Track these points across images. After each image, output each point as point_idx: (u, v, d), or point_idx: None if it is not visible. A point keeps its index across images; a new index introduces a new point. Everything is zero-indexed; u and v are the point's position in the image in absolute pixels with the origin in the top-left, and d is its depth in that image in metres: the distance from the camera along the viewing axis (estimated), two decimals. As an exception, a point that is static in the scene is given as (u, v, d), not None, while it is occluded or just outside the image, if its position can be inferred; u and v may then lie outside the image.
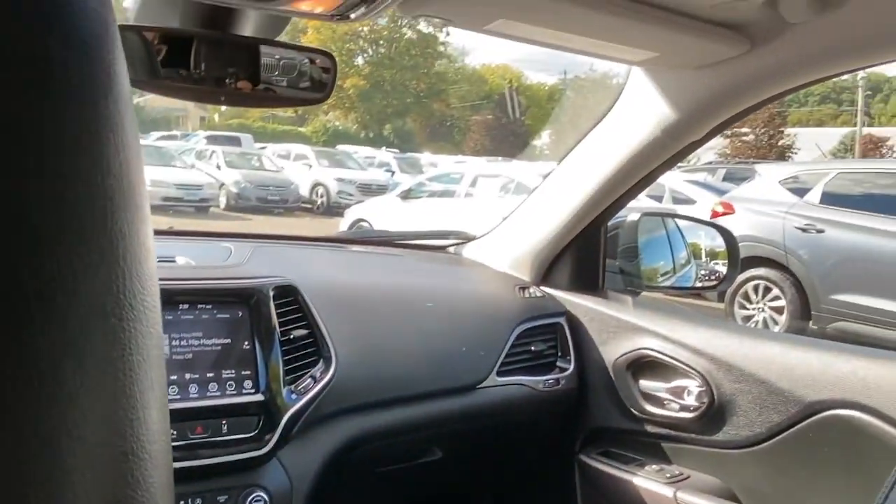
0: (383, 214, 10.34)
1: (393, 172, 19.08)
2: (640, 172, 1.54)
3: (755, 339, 1.46)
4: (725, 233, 1.87)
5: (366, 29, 42.21)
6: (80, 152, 0.22)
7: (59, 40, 0.22)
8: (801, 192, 7.31)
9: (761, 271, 7.08)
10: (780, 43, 1.17)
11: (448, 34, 44.37)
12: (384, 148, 27.94)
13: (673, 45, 1.21)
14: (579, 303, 1.70)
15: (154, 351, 0.25)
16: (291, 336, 1.29)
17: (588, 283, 1.75)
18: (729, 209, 7.44)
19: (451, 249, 1.94)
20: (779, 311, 7.01)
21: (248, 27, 1.13)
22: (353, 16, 1.06)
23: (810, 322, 6.83)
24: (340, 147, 25.77)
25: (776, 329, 6.87)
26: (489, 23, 1.11)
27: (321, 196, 16.82)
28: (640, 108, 1.45)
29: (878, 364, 1.25)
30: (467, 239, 1.95)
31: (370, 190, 15.80)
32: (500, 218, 1.88)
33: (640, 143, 1.46)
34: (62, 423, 0.22)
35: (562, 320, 1.69)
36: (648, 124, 1.43)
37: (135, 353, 0.24)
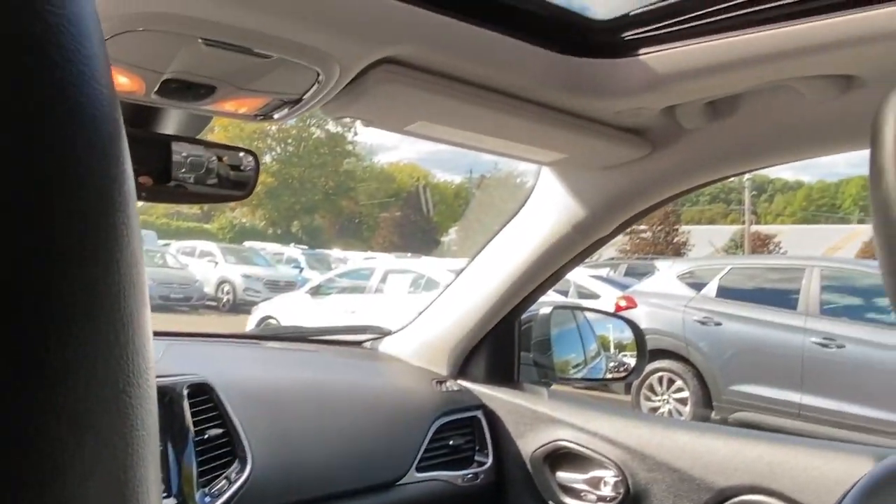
0: (292, 311, 10.21)
1: (301, 269, 18.97)
2: (552, 267, 1.59)
3: (667, 427, 1.50)
4: (633, 325, 1.94)
5: (274, 128, 42.58)
6: (99, 241, 0.23)
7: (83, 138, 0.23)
8: (697, 286, 7.64)
9: (665, 363, 7.28)
10: (678, 147, 1.26)
11: (356, 134, 45.24)
12: (292, 244, 27.81)
13: (581, 147, 1.28)
14: (496, 395, 1.72)
15: (154, 427, 0.26)
16: (206, 436, 1.25)
17: (504, 375, 1.77)
18: (631, 303, 7.69)
19: (367, 344, 1.94)
20: (683, 402, 7.20)
21: (170, 125, 1.14)
22: (276, 116, 1.09)
23: (713, 413, 7.03)
24: (248, 243, 25.52)
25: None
26: (409, 124, 1.16)
27: (227, 293, 16.51)
28: (551, 205, 1.51)
29: (781, 449, 1.31)
30: (383, 334, 1.95)
31: (278, 286, 15.63)
32: (412, 313, 1.90)
33: (552, 239, 1.52)
34: (83, 495, 0.23)
35: (479, 414, 1.70)
36: (559, 221, 1.50)
37: (141, 429, 0.25)
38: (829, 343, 6.53)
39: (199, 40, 0.85)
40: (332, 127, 43.46)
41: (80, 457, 0.23)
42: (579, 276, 9.92)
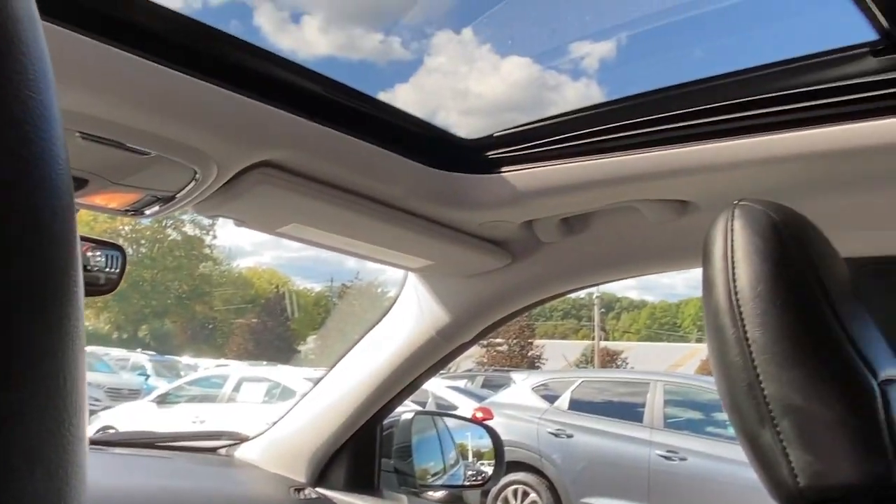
0: (135, 421, 9.60)
1: (148, 376, 17.97)
2: (415, 371, 1.62)
3: None
4: (491, 432, 1.98)
5: (127, 227, 41.02)
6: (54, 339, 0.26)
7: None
8: (551, 398, 7.85)
9: (520, 475, 7.34)
10: (536, 258, 1.35)
11: (215, 237, 44.30)
12: (139, 350, 26.37)
13: (447, 255, 1.35)
14: (355, 503, 1.69)
15: (85, 457, 0.28)
16: None
17: (364, 482, 1.75)
18: (488, 415, 7.76)
19: (223, 451, 1.87)
20: (537, 515, 7.24)
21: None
22: (147, 212, 1.09)
23: (566, 526, 7.10)
24: (89, 349, 23.96)
25: (535, 534, 7.05)
26: (282, 226, 1.19)
27: (62, 401, 15.30)
28: (416, 310, 1.56)
29: None
30: (239, 440, 1.89)
31: (121, 395, 14.69)
32: (267, 422, 1.86)
33: (416, 344, 1.56)
34: None
35: None
36: (423, 326, 1.54)
37: (80, 458, 0.27)
38: (672, 456, 6.82)
39: (77, 134, 0.86)
40: (189, 229, 42.40)
41: (32, 485, 0.25)
42: (437, 387, 9.95)
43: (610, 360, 36.46)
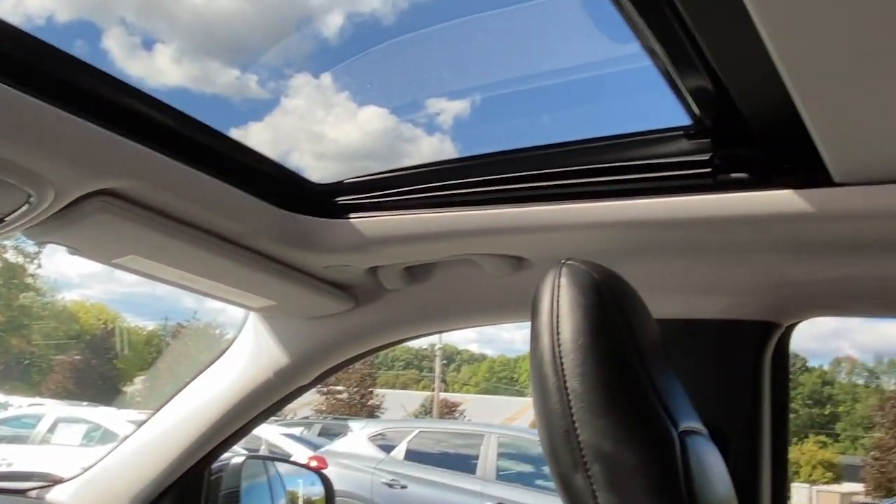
0: (-71, 462, 8.67)
1: (-53, 414, 16.32)
2: (249, 413, 1.59)
3: None
4: (324, 478, 1.96)
5: (-63, 250, 37.55)
6: None
7: None
8: (388, 448, 7.82)
9: (350, 527, 7.23)
10: (380, 304, 1.38)
11: (39, 266, 41.30)
12: (-60, 384, 23.92)
13: (290, 296, 1.35)
14: None
15: None
16: None
17: None
18: (322, 464, 7.62)
19: (33, 493, 1.74)
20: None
21: None
22: (-26, 233, 1.03)
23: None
24: None
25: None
26: (119, 257, 1.15)
27: None
28: (255, 350, 1.54)
29: None
30: (53, 482, 1.77)
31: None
32: (85, 465, 1.75)
33: (252, 384, 1.53)
34: None
35: None
36: (261, 366, 1.52)
37: None
38: (502, 508, 6.95)
39: None
40: (11, 256, 39.30)
41: None
42: (271, 433, 9.67)
43: (449, 411, 36.80)
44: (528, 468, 7.51)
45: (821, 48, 0.63)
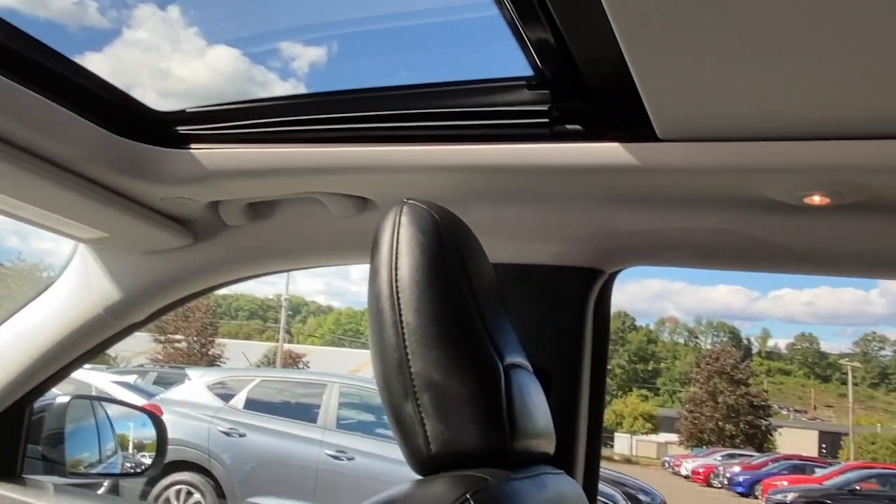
0: None
1: None
2: (76, 350, 1.52)
3: None
4: (156, 420, 1.91)
5: None
6: None
7: None
8: (227, 397, 7.68)
9: (184, 475, 7.08)
10: (219, 240, 1.35)
11: None
12: None
13: (123, 228, 1.29)
14: None
15: None
16: None
17: (5, 468, 1.60)
18: (157, 412, 7.39)
19: None
20: (199, 515, 7.03)
21: None
22: None
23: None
24: None
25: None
26: None
27: None
28: (84, 285, 1.46)
29: None
30: None
31: None
32: None
33: (80, 320, 1.46)
34: None
35: None
36: (91, 302, 1.45)
37: None
38: (340, 455, 7.03)
39: None
40: None
41: None
42: (101, 380, 9.24)
43: (293, 362, 36.60)
44: (369, 417, 7.61)
45: (648, 6, 0.67)
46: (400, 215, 0.79)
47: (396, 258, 0.76)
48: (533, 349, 0.97)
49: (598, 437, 1.22)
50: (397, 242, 0.77)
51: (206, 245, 1.36)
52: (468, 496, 0.66)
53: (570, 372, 1.15)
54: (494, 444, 0.74)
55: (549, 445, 0.88)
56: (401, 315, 0.74)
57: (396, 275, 0.76)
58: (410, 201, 0.80)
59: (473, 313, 0.78)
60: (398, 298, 0.75)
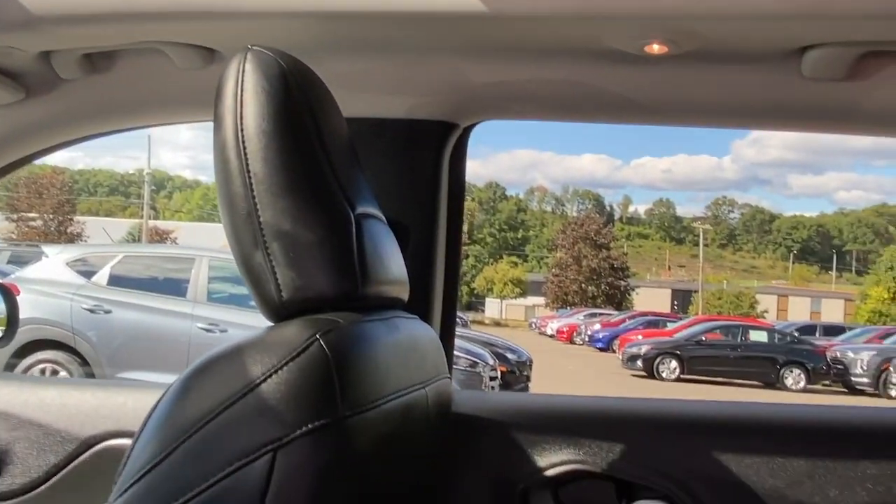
0: None
1: None
2: None
3: (33, 385, 1.47)
4: (6, 292, 1.83)
5: None
6: None
7: None
8: (89, 274, 7.41)
9: (49, 354, 6.89)
10: (55, 95, 1.25)
11: None
12: None
13: None
14: None
15: None
16: None
17: None
18: (14, 290, 7.06)
19: None
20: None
21: None
22: None
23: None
24: None
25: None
26: None
27: None
28: None
29: (143, 395, 1.39)
30: None
31: None
32: None
33: None
34: None
35: None
36: None
37: None
38: (213, 328, 7.00)
39: None
40: None
41: None
42: (-51, 261, 8.70)
43: (160, 239, 35.53)
44: (241, 290, 7.55)
45: None
46: (244, 62, 0.76)
47: (241, 106, 0.74)
48: (388, 202, 0.97)
49: (455, 287, 1.26)
50: (242, 90, 0.75)
51: (39, 101, 1.25)
52: (318, 336, 0.67)
53: (425, 224, 1.17)
54: (345, 289, 0.75)
55: (402, 292, 0.91)
56: (248, 164, 0.73)
57: (242, 123, 0.74)
58: (255, 48, 0.77)
59: (323, 162, 0.77)
60: (244, 148, 0.73)
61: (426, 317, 1.10)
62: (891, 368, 14.89)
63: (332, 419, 0.65)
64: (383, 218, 0.89)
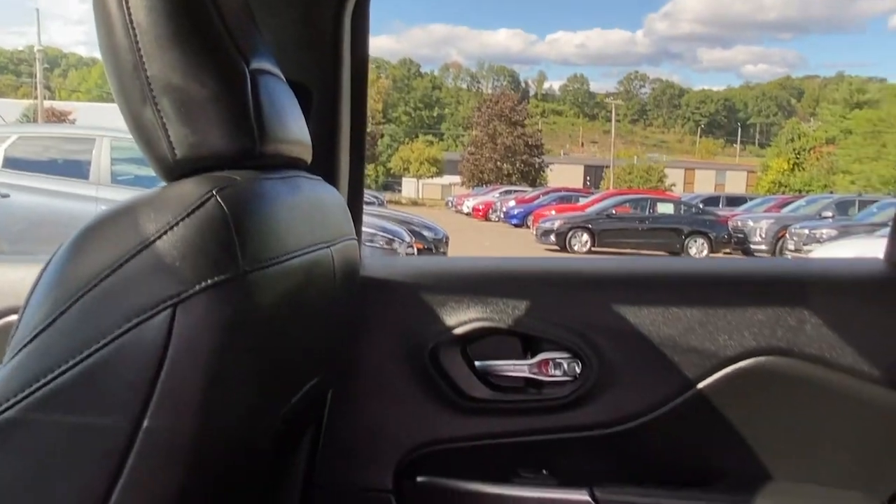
0: None
1: None
2: None
3: None
4: None
5: None
6: None
7: None
8: (-19, 157, 7.02)
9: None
10: None
11: None
12: None
13: None
14: None
15: None
16: None
17: None
18: None
19: None
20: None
21: None
22: None
23: None
24: None
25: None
26: None
27: None
28: None
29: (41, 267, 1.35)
30: None
31: None
32: None
33: None
34: None
35: None
36: None
37: None
38: (120, 210, 6.77)
39: None
40: None
41: None
42: None
43: (57, 120, 33.66)
44: (148, 172, 7.28)
45: None
46: None
47: None
48: (288, 64, 0.94)
49: (361, 151, 1.25)
50: None
51: None
52: (214, 193, 0.66)
53: (327, 86, 1.14)
54: (242, 147, 0.73)
55: (304, 153, 0.89)
56: (130, 14, 0.69)
57: None
58: None
59: (213, 14, 0.73)
60: None
61: (331, 180, 1.09)
62: (787, 235, 15.70)
63: (232, 275, 0.65)
64: (282, 76, 0.86)
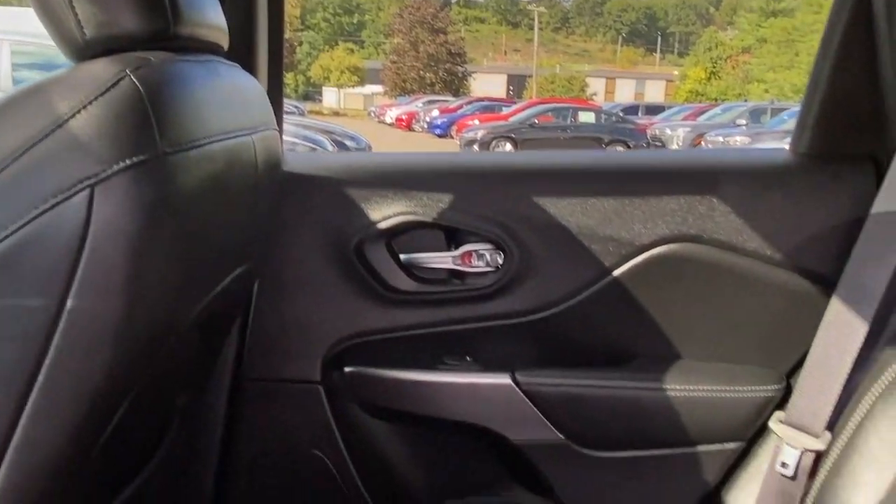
0: None
1: None
2: None
3: None
4: None
5: None
6: None
7: None
8: None
9: None
10: None
11: None
12: None
13: None
14: None
15: None
16: None
17: None
18: None
19: None
20: None
21: None
22: None
23: None
24: None
25: None
26: None
27: None
28: None
29: None
30: None
31: None
32: None
33: None
34: None
35: None
36: None
37: None
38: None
39: None
40: None
41: None
42: None
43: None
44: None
45: None
46: None
47: None
48: None
49: (280, 43, 1.22)
50: None
51: None
52: (128, 72, 0.64)
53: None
54: (156, 27, 0.71)
55: (220, 38, 0.87)
56: None
57: None
58: None
59: None
60: None
61: (250, 69, 1.07)
62: (702, 143, 16.11)
63: (151, 155, 0.63)
64: None
